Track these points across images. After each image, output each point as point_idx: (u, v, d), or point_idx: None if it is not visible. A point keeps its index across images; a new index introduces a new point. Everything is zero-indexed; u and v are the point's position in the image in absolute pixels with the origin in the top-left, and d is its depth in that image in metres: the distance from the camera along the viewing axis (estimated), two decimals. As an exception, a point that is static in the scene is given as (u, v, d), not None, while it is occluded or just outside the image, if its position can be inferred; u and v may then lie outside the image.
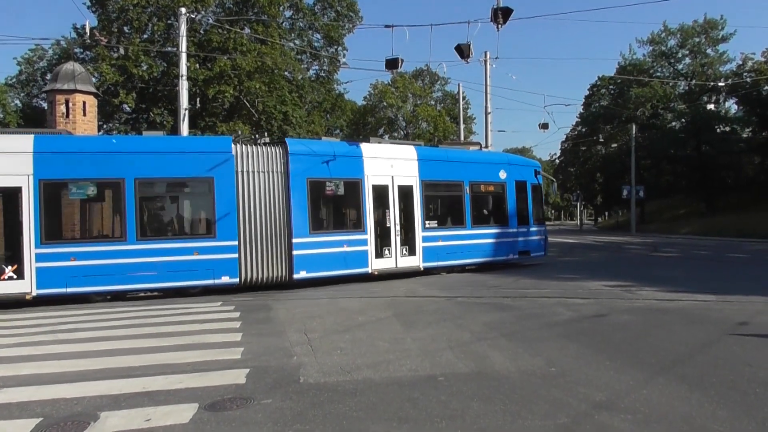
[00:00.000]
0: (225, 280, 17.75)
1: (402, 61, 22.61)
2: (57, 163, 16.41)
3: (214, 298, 16.81)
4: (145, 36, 40.54)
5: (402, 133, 67.81)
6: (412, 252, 21.19)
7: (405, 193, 21.12)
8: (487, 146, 33.69)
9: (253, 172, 18.43)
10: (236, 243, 17.90)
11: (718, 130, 65.00)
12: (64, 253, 16.24)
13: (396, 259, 20.78)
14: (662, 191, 72.65)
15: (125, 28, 40.36)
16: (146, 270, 16.85)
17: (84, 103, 29.72)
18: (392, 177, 20.87)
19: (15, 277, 15.75)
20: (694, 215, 65.22)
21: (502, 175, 24.09)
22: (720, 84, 54.47)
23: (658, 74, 70.08)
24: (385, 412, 6.56)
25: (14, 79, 51.41)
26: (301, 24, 47.59)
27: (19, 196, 15.92)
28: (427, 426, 6.14)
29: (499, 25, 18.69)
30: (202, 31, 40.34)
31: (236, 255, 17.88)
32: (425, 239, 21.44)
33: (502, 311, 13.36)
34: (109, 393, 7.40)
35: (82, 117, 29.65)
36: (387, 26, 22.82)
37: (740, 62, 65.62)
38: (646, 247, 37.49)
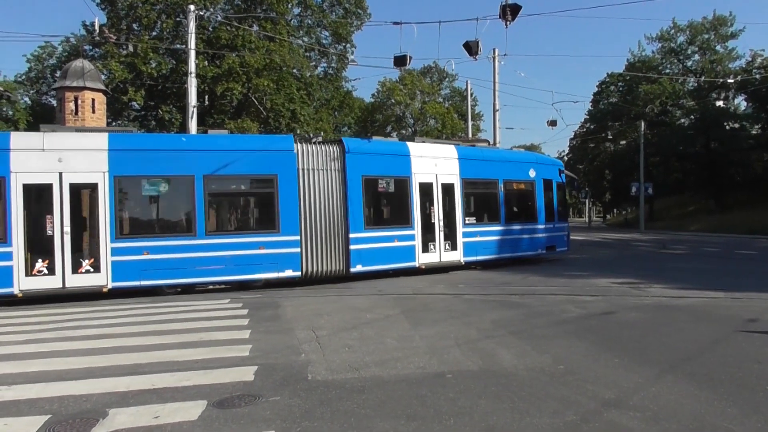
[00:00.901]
0: (288, 273, 18.56)
1: (410, 58, 22.61)
2: (130, 160, 17.10)
3: (222, 295, 16.87)
4: (154, 33, 40.56)
5: (410, 130, 67.65)
6: (453, 247, 22.12)
7: (447, 190, 22.10)
8: (495, 143, 33.66)
9: (313, 169, 19.21)
10: (298, 238, 18.73)
11: (727, 127, 64.72)
12: (137, 247, 16.94)
13: (440, 253, 21.72)
14: (671, 188, 72.41)
15: (134, 26, 40.42)
16: (214, 264, 17.61)
17: (93, 100, 29.77)
18: (436, 175, 21.79)
19: (92, 270, 16.43)
20: (703, 212, 65.06)
21: (532, 173, 25.32)
22: (729, 81, 54.20)
23: (667, 71, 69.76)
24: (394, 410, 6.55)
25: (24, 77, 51.56)
26: (309, 21, 47.51)
27: (96, 192, 16.66)
28: (435, 423, 6.13)
29: (508, 22, 18.61)
30: (210, 29, 40.34)
31: (298, 249, 18.72)
32: (465, 234, 22.44)
33: (510, 309, 13.35)
34: (117, 390, 7.42)
35: (91, 114, 29.71)
36: (395, 23, 22.80)
37: (749, 59, 65.42)
38: (655, 245, 37.41)
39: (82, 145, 16.78)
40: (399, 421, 6.18)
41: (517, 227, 24.55)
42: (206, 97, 38.09)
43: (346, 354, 9.16)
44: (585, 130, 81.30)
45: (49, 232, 16.14)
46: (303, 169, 19.01)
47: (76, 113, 29.45)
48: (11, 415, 6.64)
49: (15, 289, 15.77)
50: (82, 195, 16.82)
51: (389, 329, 11.20)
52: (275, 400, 6.95)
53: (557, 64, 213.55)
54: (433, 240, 21.55)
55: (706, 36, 67.57)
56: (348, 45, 49.47)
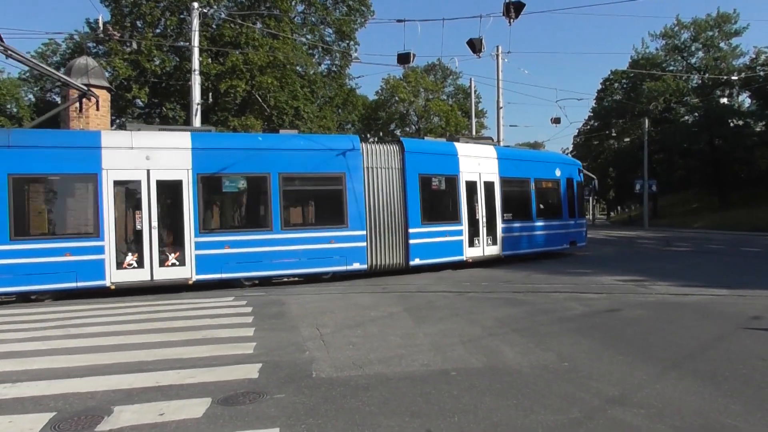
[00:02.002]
0: (356, 266, 19.73)
1: (414, 55, 22.54)
2: (211, 159, 18.02)
3: (226, 293, 16.89)
4: (158, 31, 40.49)
5: (414, 128, 67.63)
6: (494, 242, 23.54)
7: (488, 188, 23.43)
8: (499, 141, 33.68)
9: (376, 167, 20.42)
10: (365, 233, 19.91)
11: (731, 124, 64.52)
12: (219, 241, 17.95)
13: (483, 247, 23.10)
14: (675, 185, 72.37)
15: (138, 23, 40.40)
16: (289, 257, 18.66)
17: (97, 97, 29.80)
18: (479, 174, 23.12)
19: (177, 263, 17.37)
20: (707, 209, 64.91)
21: (557, 173, 27.13)
22: (733, 78, 54.22)
23: (671, 68, 69.62)
24: (398, 407, 6.56)
25: (28, 74, 51.45)
26: (312, 19, 47.43)
27: (180, 189, 17.51)
28: (440, 420, 6.14)
29: (511, 20, 18.57)
30: (214, 26, 40.28)
31: (365, 243, 19.90)
32: (503, 230, 23.89)
33: (514, 306, 13.36)
34: (121, 387, 7.44)
35: (95, 111, 29.68)
36: (399, 21, 22.74)
37: (753, 56, 65.29)
38: (659, 242, 37.35)
39: (168, 144, 17.64)
40: (403, 419, 6.19)
41: (546, 223, 26.13)
42: (210, 94, 38.05)
43: (351, 351, 9.18)
44: (589, 127, 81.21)
45: (138, 227, 17.04)
46: (367, 168, 20.19)
47: (80, 111, 29.45)
48: (16, 413, 6.66)
49: (107, 282, 16.54)
50: (167, 191, 17.54)
51: (393, 327, 11.21)
52: (280, 397, 6.96)
53: (561, 62, 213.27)
54: (477, 235, 22.83)
55: (710, 33, 67.32)
56: (351, 42, 49.44)
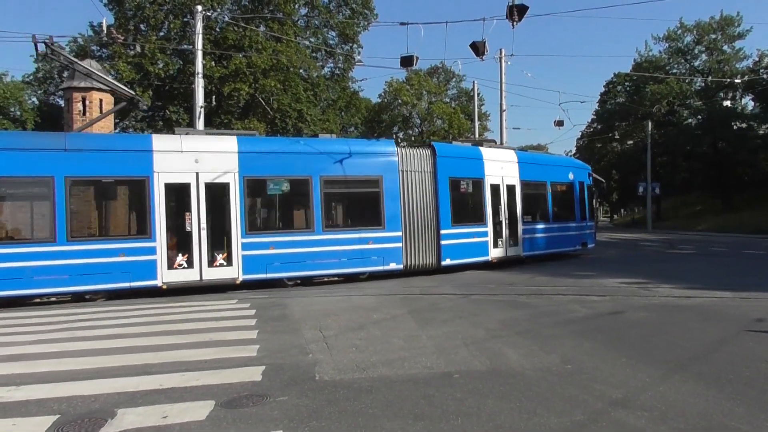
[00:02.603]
0: (392, 266, 20.38)
1: (417, 58, 22.55)
2: (256, 162, 18.59)
3: (229, 295, 16.91)
4: (162, 34, 40.61)
5: (416, 130, 67.59)
6: (515, 243, 24.37)
7: (510, 191, 24.27)
8: (501, 144, 33.68)
9: (410, 171, 21.08)
10: (401, 234, 20.58)
11: (734, 127, 64.53)
12: (264, 242, 18.50)
13: (506, 248, 23.93)
14: (678, 188, 72.28)
15: (142, 26, 40.51)
16: (329, 258, 19.29)
17: (101, 100, 29.82)
18: (502, 177, 23.97)
19: (225, 264, 17.93)
20: (711, 212, 64.91)
21: (570, 176, 28.25)
22: (736, 81, 54.09)
23: (674, 71, 69.53)
24: (401, 410, 6.57)
25: (31, 77, 51.55)
26: (316, 22, 47.49)
27: (228, 191, 18.08)
28: (443, 423, 6.14)
29: (515, 23, 18.57)
30: (217, 29, 40.36)
31: (401, 244, 20.57)
32: (524, 231, 24.74)
33: (517, 309, 13.36)
34: (125, 390, 7.45)
35: (98, 115, 29.78)
36: (402, 23, 22.81)
37: (756, 59, 65.28)
38: (663, 244, 37.36)
39: (215, 147, 18.22)
40: (406, 421, 6.20)
41: (561, 225, 27.22)
42: (213, 97, 38.14)
43: (354, 354, 9.18)
44: (592, 130, 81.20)
45: (188, 228, 17.52)
46: (402, 171, 20.86)
47: (84, 114, 29.51)
48: (20, 415, 6.68)
49: (159, 282, 17.04)
50: (215, 193, 18.08)
51: (396, 329, 11.21)
52: (283, 400, 6.97)
53: (564, 64, 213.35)
54: (501, 236, 23.67)
55: (713, 36, 67.30)
56: (355, 45, 49.46)
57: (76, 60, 20.14)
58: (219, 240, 18.10)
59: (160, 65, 39.13)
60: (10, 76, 51.43)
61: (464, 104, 71.41)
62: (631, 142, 71.83)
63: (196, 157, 17.71)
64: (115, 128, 34.21)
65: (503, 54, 36.89)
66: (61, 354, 9.59)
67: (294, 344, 9.98)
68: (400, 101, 66.38)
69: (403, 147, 21.82)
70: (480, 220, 22.99)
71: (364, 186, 20.48)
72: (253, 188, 18.70)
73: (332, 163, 19.64)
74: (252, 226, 18.55)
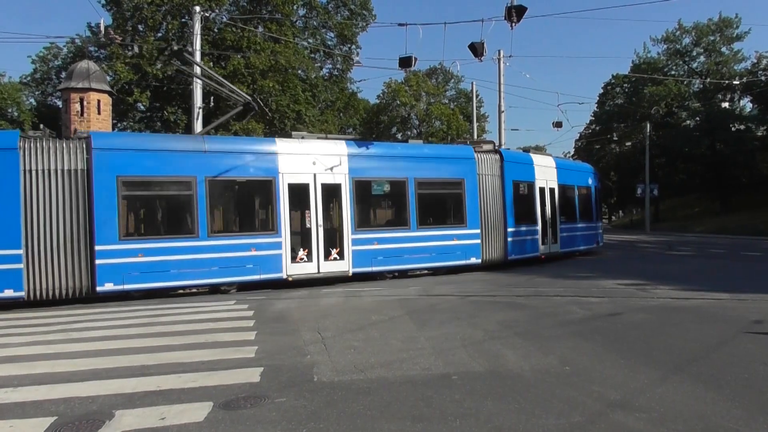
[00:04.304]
0: (472, 261, 22.20)
1: (415, 59, 22.54)
2: (362, 164, 20.22)
3: (227, 297, 16.89)
4: (160, 34, 40.58)
5: (415, 131, 67.59)
6: (555, 240, 26.80)
7: (551, 193, 26.58)
8: (500, 145, 33.72)
9: (485, 174, 22.91)
10: (479, 231, 22.43)
11: (732, 129, 64.75)
12: (371, 238, 20.16)
13: (550, 245, 26.28)
14: (676, 190, 72.44)
15: (139, 27, 40.49)
16: (422, 252, 21.05)
17: (98, 101, 29.91)
18: (546, 181, 26.28)
19: (338, 258, 19.46)
20: (709, 214, 65.02)
21: (589, 180, 31.04)
22: (734, 82, 54.24)
23: (673, 72, 69.69)
24: (399, 411, 6.56)
25: (29, 78, 51.47)
26: (314, 22, 47.54)
27: (340, 191, 19.69)
28: (441, 425, 6.13)
29: (513, 24, 18.56)
30: (216, 30, 40.36)
31: (479, 241, 22.41)
32: (561, 230, 27.23)
33: (516, 310, 13.36)
34: (122, 392, 7.43)
35: (96, 115, 29.82)
36: (400, 24, 22.93)
37: (755, 61, 65.53)
38: (661, 246, 37.40)
39: (329, 150, 19.72)
40: (405, 423, 6.18)
41: (585, 224, 30.05)
42: (211, 98, 38.05)
43: (352, 355, 9.17)
44: (590, 131, 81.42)
45: (307, 225, 19.10)
46: (479, 174, 22.66)
47: (82, 114, 29.56)
48: (17, 417, 6.65)
49: (284, 274, 18.51)
50: (329, 193, 19.66)
51: (395, 330, 11.20)
52: (281, 401, 6.96)
53: (562, 66, 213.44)
54: (546, 234, 25.94)
55: (712, 38, 67.48)
56: (353, 46, 49.59)
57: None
58: (332, 236, 19.58)
59: (158, 66, 39.10)
60: (7, 77, 51.49)
61: (463, 105, 71.48)
62: (629, 143, 71.95)
63: (313, 159, 19.23)
64: (113, 129, 34.18)
65: (502, 55, 36.91)
66: (58, 355, 9.56)
67: (292, 345, 9.96)
68: (398, 102, 66.42)
69: (479, 152, 23.22)
70: (533, 219, 25.24)
71: (450, 188, 22.30)
72: (360, 188, 20.12)
73: (423, 167, 21.42)
74: (359, 223, 20.03)
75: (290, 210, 18.81)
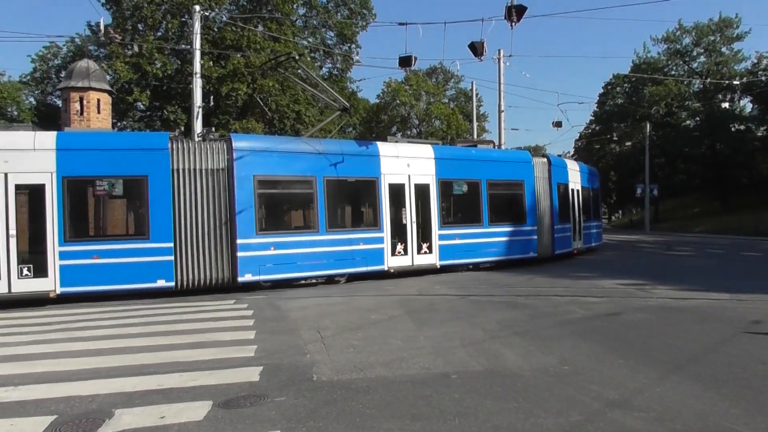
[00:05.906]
0: (530, 254, 24.72)
1: (415, 58, 22.57)
2: (446, 166, 22.18)
3: (227, 296, 16.89)
4: (159, 34, 40.54)
5: (415, 131, 67.52)
6: (580, 237, 29.62)
7: (577, 194, 29.29)
8: (500, 144, 33.75)
9: (537, 177, 25.43)
10: (535, 228, 25.01)
11: (732, 129, 64.73)
12: (452, 234, 22.10)
13: (578, 242, 29.36)
14: (676, 190, 72.45)
15: (139, 26, 40.46)
16: (492, 247, 23.26)
17: (98, 100, 29.88)
18: (575, 183, 29.09)
19: (427, 252, 21.45)
20: (709, 214, 64.95)
21: (597, 182, 34.17)
22: (735, 82, 54.18)
23: (673, 72, 69.64)
24: (399, 410, 6.57)
25: (29, 77, 51.36)
26: (314, 22, 47.50)
27: (428, 191, 21.65)
28: (440, 423, 6.14)
29: (513, 23, 18.56)
30: (215, 29, 40.33)
31: (536, 237, 24.98)
32: (583, 228, 30.00)
33: (515, 309, 13.36)
34: (123, 390, 7.44)
35: (96, 114, 29.80)
36: (400, 24, 22.87)
37: (755, 61, 65.50)
38: (661, 246, 37.41)
39: (420, 154, 21.75)
40: (404, 422, 6.19)
41: (595, 223, 33.08)
42: (211, 97, 38.09)
43: (351, 354, 9.18)
44: (590, 131, 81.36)
45: (404, 222, 20.98)
46: (535, 177, 25.18)
47: (81, 113, 29.54)
48: (18, 416, 6.66)
49: (385, 266, 20.42)
50: (420, 192, 21.42)
51: (394, 330, 11.21)
52: (280, 400, 6.96)
53: (562, 65, 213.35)
54: (576, 231, 28.86)
55: (712, 38, 67.43)
56: (353, 45, 49.47)
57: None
58: (423, 232, 21.34)
59: (158, 65, 39.11)
60: (7, 76, 51.45)
61: (462, 105, 71.42)
62: (629, 143, 71.84)
63: (408, 162, 21.14)
64: (113, 128, 34.17)
65: (502, 54, 36.90)
66: (58, 354, 9.58)
67: (292, 345, 9.97)
68: (398, 102, 66.34)
69: (534, 157, 25.74)
70: (569, 218, 27.96)
71: (513, 188, 24.41)
72: (445, 188, 22.13)
73: (492, 169, 23.46)
74: (444, 220, 22.00)
75: (390, 208, 20.59)
